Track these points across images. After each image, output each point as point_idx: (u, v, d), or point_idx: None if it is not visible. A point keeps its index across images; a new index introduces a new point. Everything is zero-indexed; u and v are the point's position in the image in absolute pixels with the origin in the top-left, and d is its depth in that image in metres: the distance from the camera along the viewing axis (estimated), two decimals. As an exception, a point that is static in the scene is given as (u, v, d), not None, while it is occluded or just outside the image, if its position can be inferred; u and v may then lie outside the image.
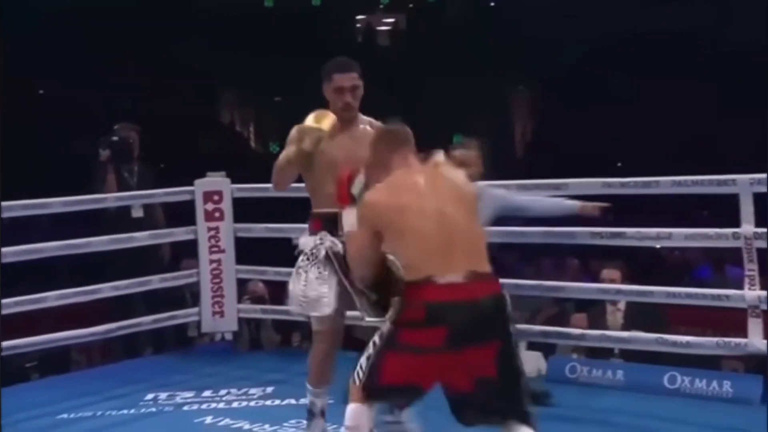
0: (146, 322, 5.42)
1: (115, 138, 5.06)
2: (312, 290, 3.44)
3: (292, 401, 4.43)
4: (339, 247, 3.46)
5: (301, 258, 3.50)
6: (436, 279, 2.86)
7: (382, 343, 2.94)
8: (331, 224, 3.49)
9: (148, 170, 5.78)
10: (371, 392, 2.94)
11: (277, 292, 5.61)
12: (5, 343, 4.63)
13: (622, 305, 4.90)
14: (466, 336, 2.83)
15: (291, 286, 3.52)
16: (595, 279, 5.36)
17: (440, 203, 2.94)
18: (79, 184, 5.66)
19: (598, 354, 4.79)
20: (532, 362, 4.98)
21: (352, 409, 2.95)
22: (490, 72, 15.33)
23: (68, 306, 5.04)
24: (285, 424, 4.09)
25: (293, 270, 3.52)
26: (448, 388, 2.92)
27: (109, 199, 5.35)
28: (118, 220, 5.50)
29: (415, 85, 14.96)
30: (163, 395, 4.69)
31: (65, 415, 4.44)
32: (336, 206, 3.46)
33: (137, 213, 5.58)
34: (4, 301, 4.41)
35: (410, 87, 14.91)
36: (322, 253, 3.47)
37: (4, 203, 4.87)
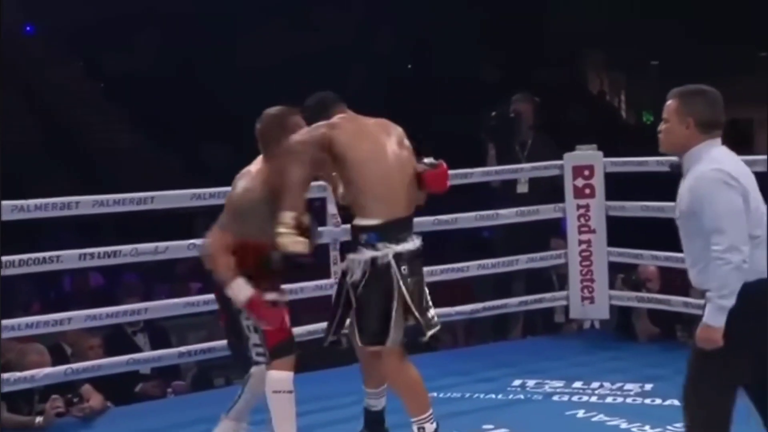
0: (512, 304, 5.27)
1: (493, 113, 5.07)
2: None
3: (675, 402, 3.98)
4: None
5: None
6: None
7: None
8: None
9: (544, 143, 5.51)
10: None
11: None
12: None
13: None
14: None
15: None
16: None
17: None
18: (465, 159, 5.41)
19: None
20: None
21: None
22: None
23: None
24: (669, 427, 3.75)
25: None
26: None
27: (475, 174, 5.15)
28: (503, 195, 5.39)
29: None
30: (531, 382, 4.53)
31: (434, 394, 4.33)
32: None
33: (522, 188, 5.41)
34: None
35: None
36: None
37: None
